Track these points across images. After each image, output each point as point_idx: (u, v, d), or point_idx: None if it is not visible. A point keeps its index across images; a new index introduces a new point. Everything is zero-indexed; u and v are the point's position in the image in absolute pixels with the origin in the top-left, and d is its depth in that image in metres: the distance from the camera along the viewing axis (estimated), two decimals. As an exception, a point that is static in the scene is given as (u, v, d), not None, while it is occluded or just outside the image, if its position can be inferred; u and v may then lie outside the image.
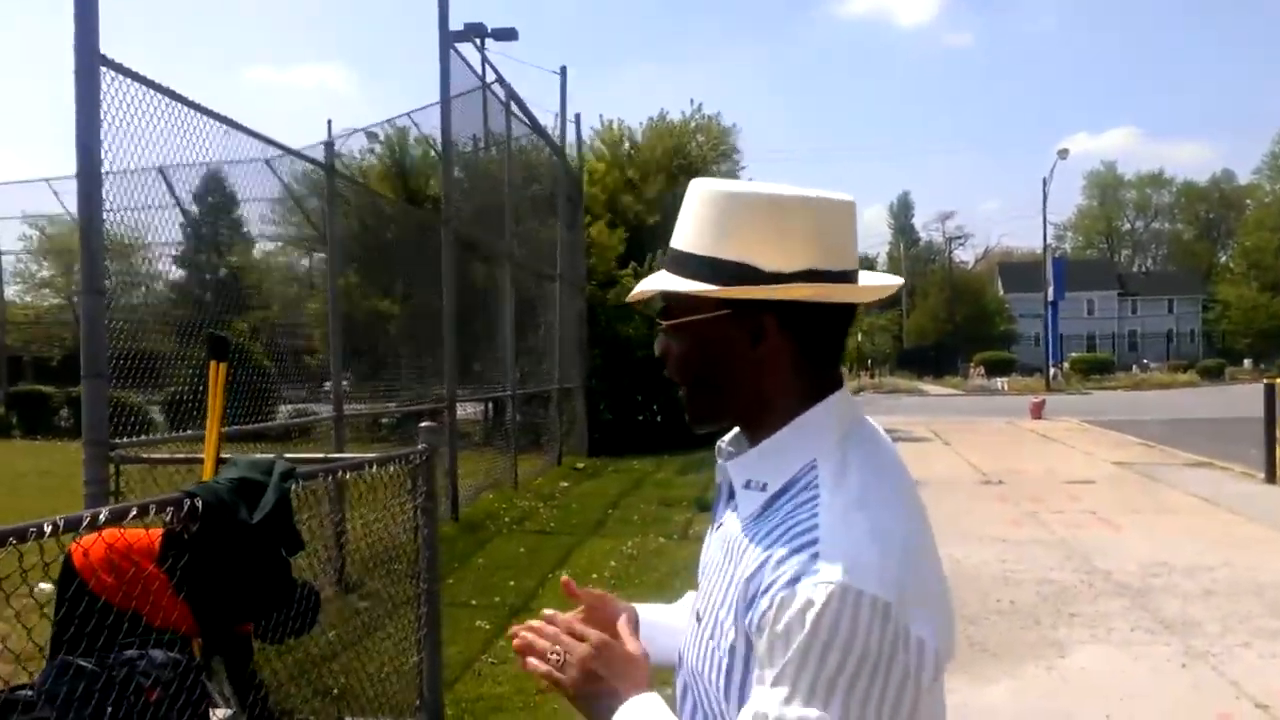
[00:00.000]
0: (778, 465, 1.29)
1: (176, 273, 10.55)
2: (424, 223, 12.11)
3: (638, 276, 20.91)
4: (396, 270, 12.20)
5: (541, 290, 16.68)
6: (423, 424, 4.63)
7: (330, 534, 6.87)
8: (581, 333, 19.04)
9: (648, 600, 1.70)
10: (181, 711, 2.90)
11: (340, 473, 3.85)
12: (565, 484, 14.73)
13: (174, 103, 5.42)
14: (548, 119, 18.06)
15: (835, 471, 1.24)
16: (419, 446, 4.41)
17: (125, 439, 5.01)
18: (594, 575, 8.18)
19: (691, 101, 39.12)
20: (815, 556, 1.15)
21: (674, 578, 8.21)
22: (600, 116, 29.99)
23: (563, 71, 18.69)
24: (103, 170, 4.62)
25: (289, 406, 9.90)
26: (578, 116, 20.15)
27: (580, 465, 16.97)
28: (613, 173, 23.60)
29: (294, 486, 3.02)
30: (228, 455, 4.95)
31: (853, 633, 1.12)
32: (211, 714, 3.10)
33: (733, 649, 1.23)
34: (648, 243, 21.26)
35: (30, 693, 2.75)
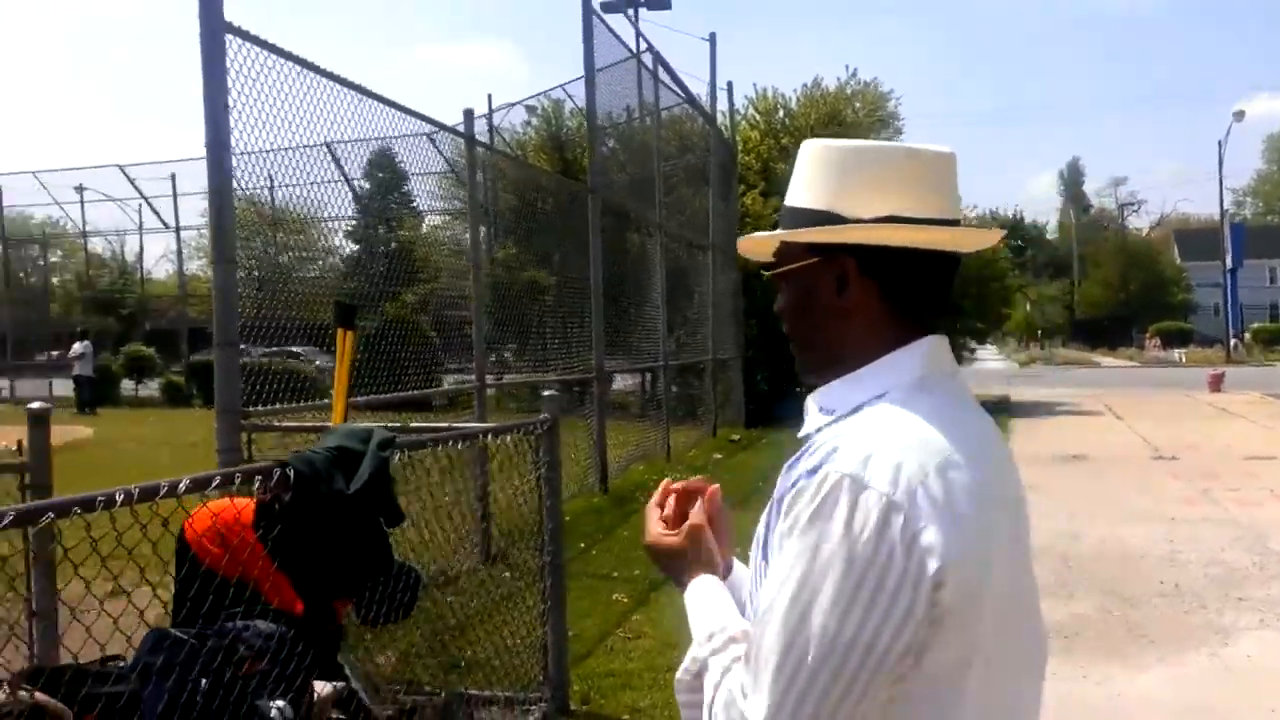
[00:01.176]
0: (849, 395, 1.32)
1: (350, 246, 10.82)
2: (575, 193, 12.05)
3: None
4: (551, 241, 12.22)
5: (694, 260, 16.49)
6: (545, 393, 4.50)
7: (473, 505, 6.88)
8: (737, 303, 18.76)
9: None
10: (279, 682, 2.84)
11: (452, 442, 3.74)
12: (719, 456, 14.55)
13: (310, 73, 5.41)
14: (700, 88, 17.79)
15: (898, 400, 1.27)
16: (541, 416, 4.28)
17: (259, 407, 5.04)
18: (736, 550, 7.92)
19: (847, 68, 37.98)
20: (838, 449, 1.19)
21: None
22: (754, 84, 29.47)
23: (712, 39, 18.42)
24: (246, 146, 4.68)
25: (453, 377, 10.01)
26: (730, 84, 19.85)
27: (735, 437, 16.75)
28: (766, 141, 23.14)
29: (393, 456, 2.92)
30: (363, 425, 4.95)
31: (848, 524, 1.13)
32: (316, 688, 3.04)
33: (767, 542, 1.27)
34: (804, 212, 20.74)
35: (123, 664, 2.73)
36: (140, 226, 31.88)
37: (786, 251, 1.39)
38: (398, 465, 3.09)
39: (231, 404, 4.61)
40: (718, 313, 17.09)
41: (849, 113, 24.72)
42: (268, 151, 5.73)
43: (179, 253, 31.65)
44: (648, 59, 13.94)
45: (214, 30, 4.50)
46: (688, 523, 1.51)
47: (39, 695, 2.41)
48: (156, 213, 30.41)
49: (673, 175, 15.31)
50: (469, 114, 8.10)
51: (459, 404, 9.57)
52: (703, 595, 1.42)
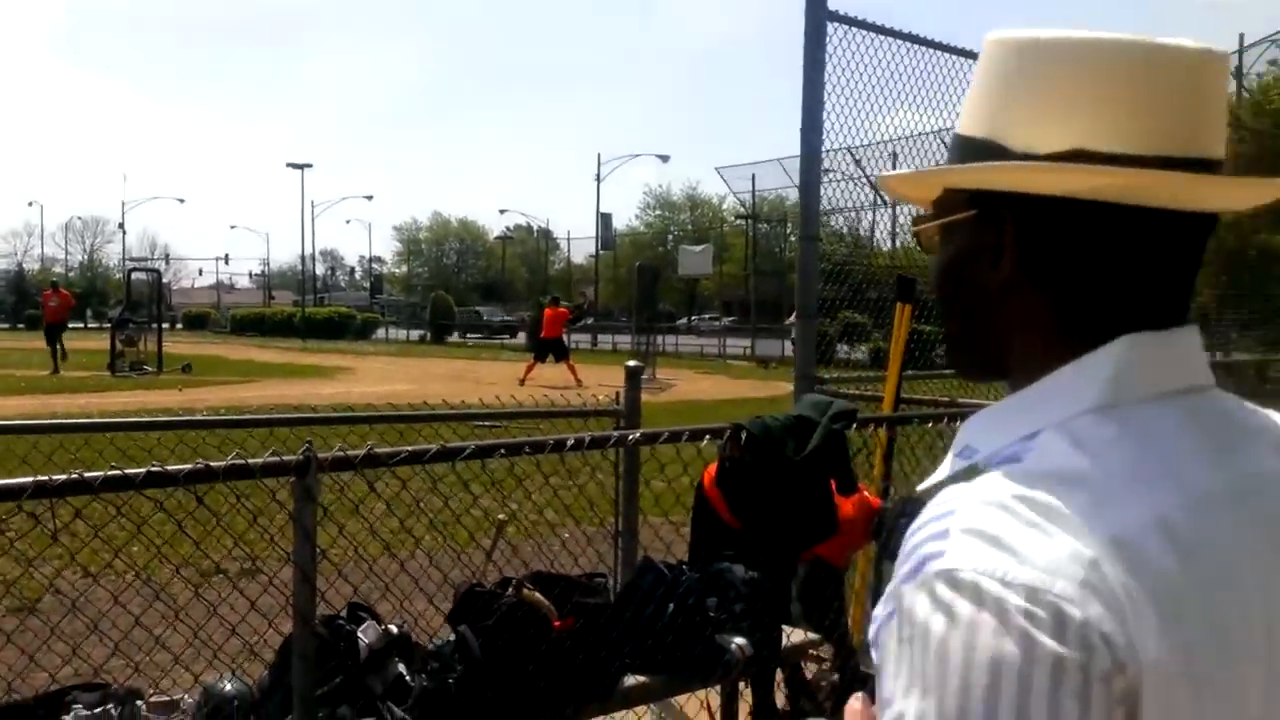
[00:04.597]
0: (994, 433, 0.89)
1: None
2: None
3: None
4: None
5: None
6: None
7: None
8: None
9: None
10: (745, 619, 3.12)
11: (945, 420, 3.66)
12: None
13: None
14: None
15: (1050, 443, 0.82)
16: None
17: (832, 375, 5.35)
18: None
19: None
20: (944, 535, 0.77)
21: None
22: None
23: None
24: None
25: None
26: None
27: None
28: None
29: (847, 429, 3.03)
30: (919, 396, 5.07)
31: (971, 645, 0.72)
32: (784, 635, 3.27)
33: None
34: None
35: (603, 579, 3.20)
36: (872, 204, 34.17)
37: (945, 199, 0.96)
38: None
39: (807, 370, 4.97)
40: None
41: None
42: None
43: (892, 227, 33.33)
44: None
45: (817, 23, 4.83)
46: None
47: (536, 595, 2.96)
48: (876, 190, 32.30)
49: None
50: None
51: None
52: None
